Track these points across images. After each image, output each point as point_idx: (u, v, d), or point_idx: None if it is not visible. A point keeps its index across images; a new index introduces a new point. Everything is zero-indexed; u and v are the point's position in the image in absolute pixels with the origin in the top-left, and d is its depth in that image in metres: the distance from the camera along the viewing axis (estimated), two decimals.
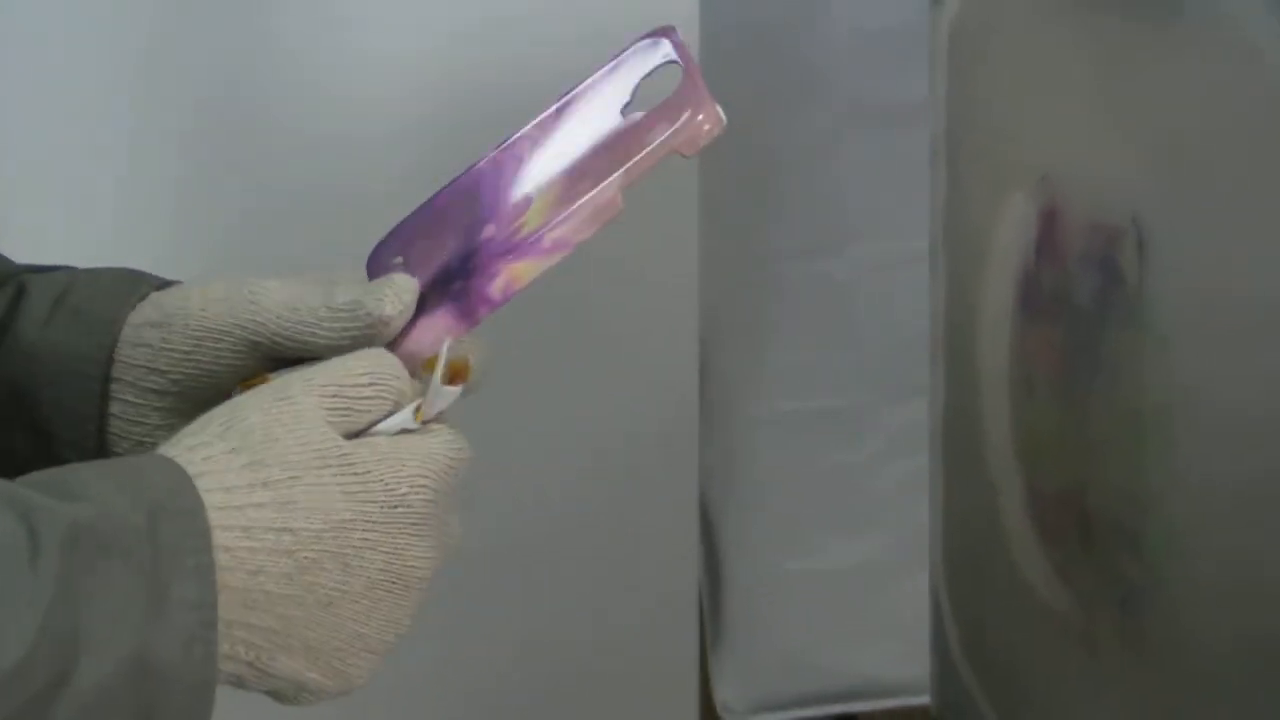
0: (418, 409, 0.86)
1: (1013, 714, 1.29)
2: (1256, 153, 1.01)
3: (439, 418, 0.88)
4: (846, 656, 1.79)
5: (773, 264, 1.76)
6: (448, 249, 0.93)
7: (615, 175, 0.90)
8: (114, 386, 0.99)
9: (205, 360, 0.96)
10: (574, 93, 0.94)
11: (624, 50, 0.96)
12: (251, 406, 0.86)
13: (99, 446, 0.99)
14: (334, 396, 0.85)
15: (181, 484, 0.82)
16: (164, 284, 1.01)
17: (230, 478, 0.83)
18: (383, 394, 0.85)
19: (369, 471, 0.84)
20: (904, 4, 1.16)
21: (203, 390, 0.96)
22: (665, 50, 0.94)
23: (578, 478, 1.64)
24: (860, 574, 1.76)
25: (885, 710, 1.56)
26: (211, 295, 0.97)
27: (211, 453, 0.84)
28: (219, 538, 0.81)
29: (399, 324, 0.93)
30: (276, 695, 0.84)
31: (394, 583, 0.84)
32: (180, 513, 0.81)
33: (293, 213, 1.64)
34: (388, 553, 0.84)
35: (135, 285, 1.00)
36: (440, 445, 0.86)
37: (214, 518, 0.82)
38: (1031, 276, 1.18)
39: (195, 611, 0.79)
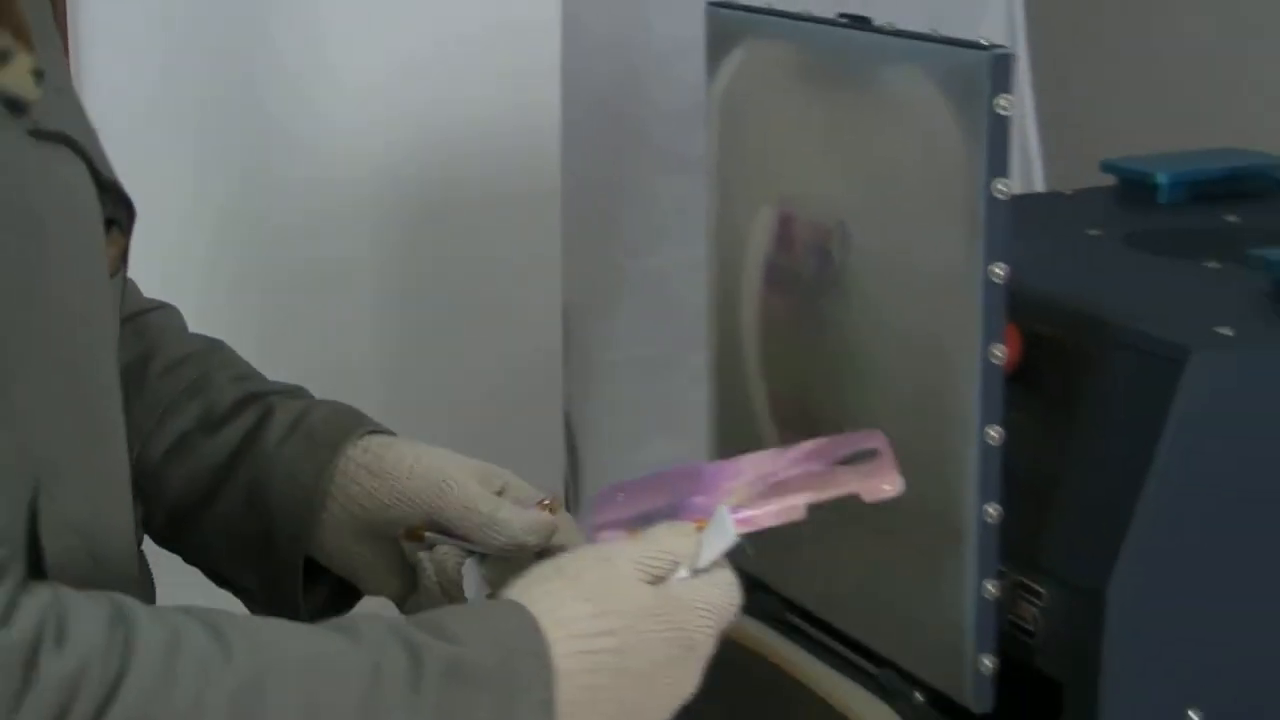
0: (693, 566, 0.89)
1: (776, 560, 1.20)
2: (917, 179, 1.09)
3: (718, 562, 0.91)
4: None
5: (614, 260, 1.94)
6: (658, 501, 0.96)
7: (807, 495, 0.95)
8: (324, 498, 1.03)
9: (395, 513, 1.02)
10: (800, 446, 1.00)
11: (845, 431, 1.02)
12: (584, 566, 0.89)
13: (306, 535, 1.03)
14: (642, 566, 0.88)
15: (533, 630, 0.84)
16: (377, 427, 1.06)
17: (581, 625, 0.86)
18: (676, 561, 0.89)
19: (676, 622, 0.88)
20: (698, 90, 1.29)
21: (383, 523, 1.03)
22: (877, 443, 1.00)
23: (476, 404, 1.75)
24: (671, 457, 1.86)
25: None
26: (418, 470, 1.02)
27: (563, 600, 0.87)
28: (568, 667, 0.85)
29: (534, 548, 0.99)
30: None
31: (675, 700, 0.89)
32: (531, 654, 0.84)
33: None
34: (678, 681, 0.89)
35: (357, 422, 1.06)
36: (721, 594, 0.90)
37: (566, 663, 0.84)
38: (773, 261, 1.22)
39: None
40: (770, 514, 0.93)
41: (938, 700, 1.14)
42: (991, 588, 1.06)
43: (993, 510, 1.05)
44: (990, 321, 1.03)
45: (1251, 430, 1.07)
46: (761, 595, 1.26)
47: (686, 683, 0.89)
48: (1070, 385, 1.13)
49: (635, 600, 0.88)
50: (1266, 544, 1.08)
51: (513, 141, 1.71)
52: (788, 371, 1.23)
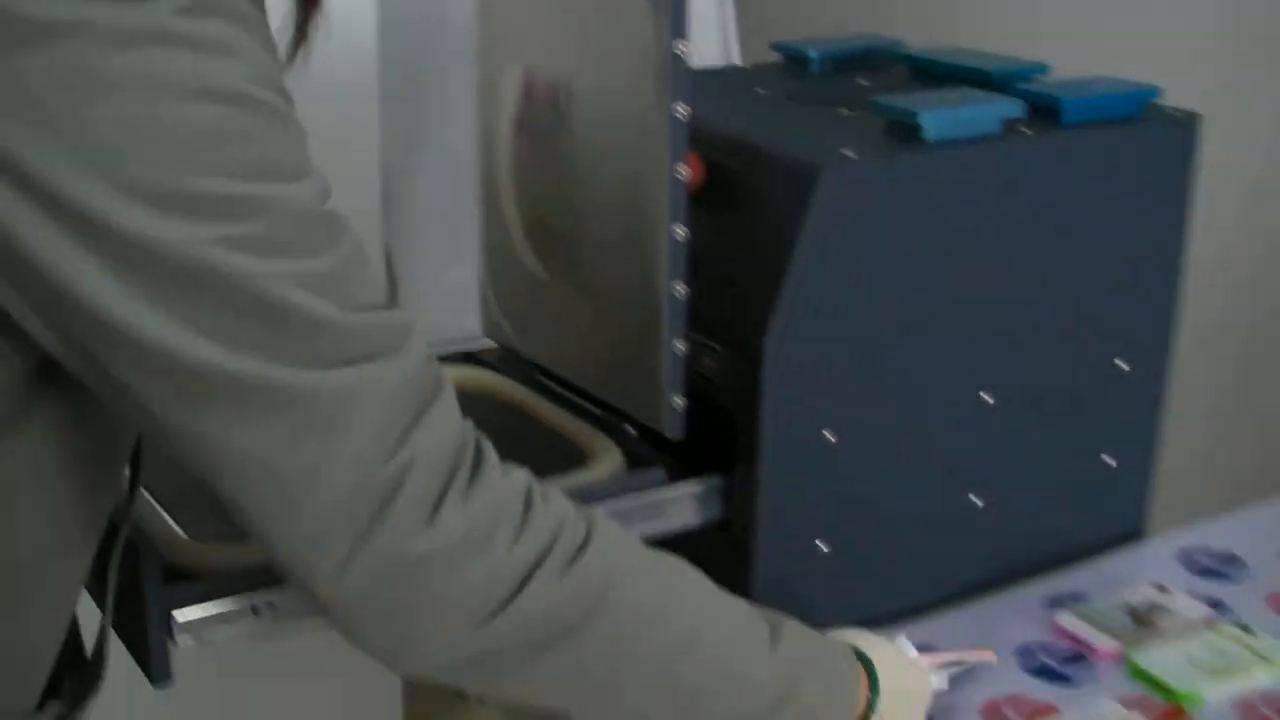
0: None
1: (528, 335, 1.41)
2: (620, 43, 1.18)
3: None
4: (468, 322, 1.89)
5: (421, 129, 2.01)
6: None
7: (945, 657, 1.18)
8: None
9: None
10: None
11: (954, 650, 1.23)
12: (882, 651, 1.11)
13: None
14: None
15: (854, 666, 1.06)
16: None
17: (891, 666, 1.09)
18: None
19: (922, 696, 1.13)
20: None
21: None
22: (987, 657, 1.23)
23: None
24: (464, 278, 1.81)
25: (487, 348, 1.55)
26: None
27: (883, 661, 1.08)
28: (879, 706, 1.06)
29: None
30: None
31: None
32: (861, 672, 1.07)
33: None
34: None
35: None
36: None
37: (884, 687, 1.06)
38: (520, 113, 1.33)
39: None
40: (930, 661, 1.16)
41: (646, 432, 1.30)
42: (680, 345, 1.22)
43: (680, 288, 1.20)
44: (676, 147, 1.17)
45: (866, 224, 1.24)
46: (515, 360, 1.42)
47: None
48: (739, 197, 1.28)
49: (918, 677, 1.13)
50: (873, 309, 1.27)
51: (340, 42, 1.85)
52: (534, 200, 1.36)
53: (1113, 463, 1.47)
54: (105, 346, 0.79)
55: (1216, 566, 1.48)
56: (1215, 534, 1.54)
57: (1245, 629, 1.36)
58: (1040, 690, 1.28)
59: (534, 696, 0.93)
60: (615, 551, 0.93)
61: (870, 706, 1.05)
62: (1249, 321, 2.49)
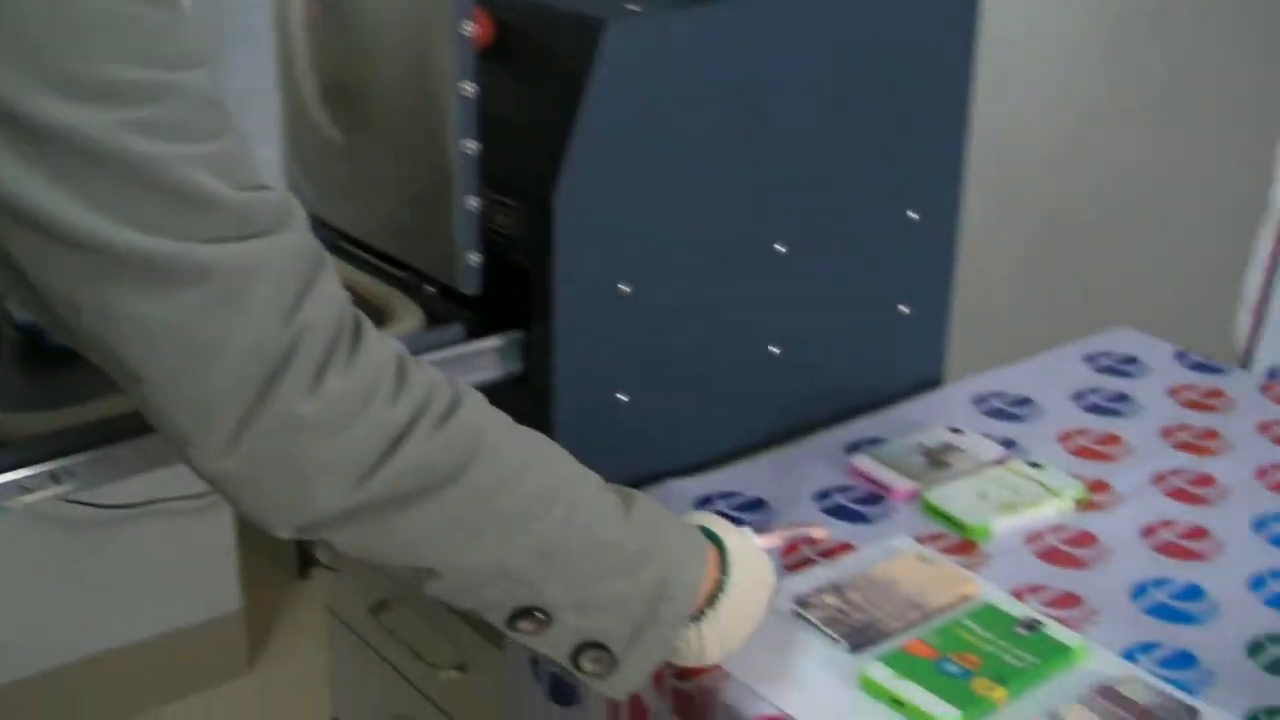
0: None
1: (330, 202, 1.39)
2: None
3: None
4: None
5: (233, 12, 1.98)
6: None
7: (782, 536, 1.16)
8: None
9: None
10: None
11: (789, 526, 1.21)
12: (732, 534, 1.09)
13: None
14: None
15: (703, 540, 1.06)
16: None
17: (741, 548, 1.08)
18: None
19: (768, 583, 1.11)
20: None
21: None
22: (819, 533, 1.23)
23: None
24: (271, 156, 1.72)
25: None
26: None
27: (733, 542, 1.08)
28: (730, 587, 1.05)
29: None
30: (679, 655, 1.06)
31: (751, 624, 1.09)
32: (710, 549, 1.06)
33: None
34: (758, 618, 1.09)
35: None
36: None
37: (733, 577, 1.05)
38: None
39: (696, 586, 1.03)
40: (767, 543, 1.15)
41: (446, 291, 1.30)
42: (473, 203, 1.22)
43: (470, 145, 1.21)
44: (461, 4, 1.17)
45: (653, 78, 1.25)
46: (320, 228, 1.40)
47: (759, 616, 1.09)
48: (529, 55, 1.28)
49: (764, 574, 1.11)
50: (664, 162, 1.28)
51: None
52: (328, 65, 1.35)
53: (907, 311, 1.50)
54: (9, 229, 0.82)
55: (1010, 409, 1.52)
56: (1009, 379, 1.57)
57: (1036, 465, 1.39)
58: (838, 529, 1.31)
59: (402, 552, 0.96)
60: (482, 414, 0.97)
61: (720, 586, 1.07)
62: (1044, 186, 2.52)
